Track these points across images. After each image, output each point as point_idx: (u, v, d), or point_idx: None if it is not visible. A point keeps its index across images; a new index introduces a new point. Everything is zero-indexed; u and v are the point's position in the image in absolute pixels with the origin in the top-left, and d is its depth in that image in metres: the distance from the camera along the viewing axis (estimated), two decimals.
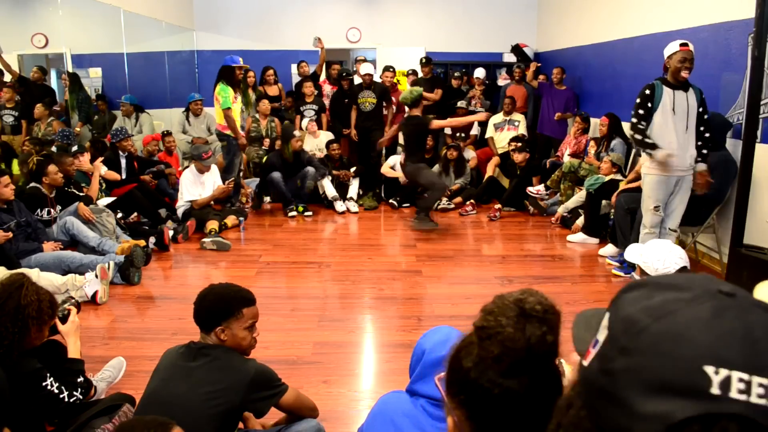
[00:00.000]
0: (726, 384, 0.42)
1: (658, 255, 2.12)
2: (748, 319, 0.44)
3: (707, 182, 3.68)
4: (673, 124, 3.55)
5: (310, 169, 5.91)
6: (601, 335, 0.51)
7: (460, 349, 0.81)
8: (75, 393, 1.95)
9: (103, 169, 5.07)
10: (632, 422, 0.44)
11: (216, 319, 1.78)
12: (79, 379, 2.01)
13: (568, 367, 0.81)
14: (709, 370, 0.42)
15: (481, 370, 0.75)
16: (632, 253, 2.28)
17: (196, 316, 1.81)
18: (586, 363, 0.52)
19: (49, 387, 1.86)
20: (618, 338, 0.48)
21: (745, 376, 0.42)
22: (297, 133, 5.98)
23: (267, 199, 6.21)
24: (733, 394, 0.41)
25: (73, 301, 2.32)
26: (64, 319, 2.16)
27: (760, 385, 0.41)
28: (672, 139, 3.57)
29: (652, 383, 0.44)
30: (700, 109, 3.61)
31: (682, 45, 3.44)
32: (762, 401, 0.41)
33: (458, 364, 0.79)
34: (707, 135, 3.67)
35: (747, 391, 0.41)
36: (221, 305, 1.79)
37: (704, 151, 3.68)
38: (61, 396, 1.89)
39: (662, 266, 2.08)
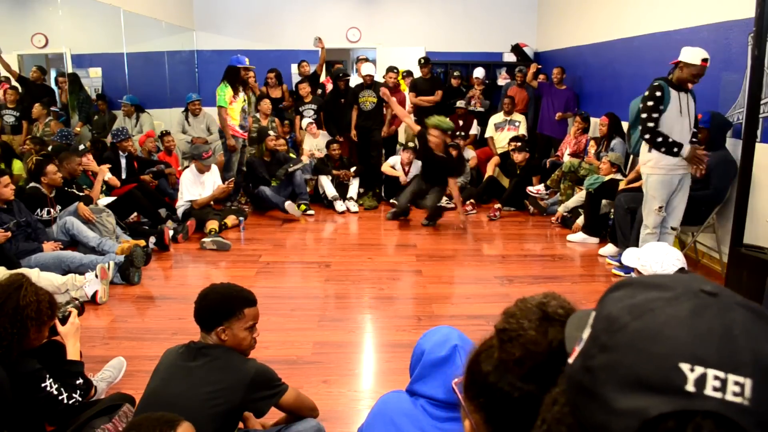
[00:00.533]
0: (701, 381, 0.42)
1: (655, 258, 2.11)
2: (727, 317, 0.45)
3: (703, 157, 3.62)
4: (680, 125, 3.58)
5: (287, 164, 6.03)
6: (585, 333, 0.52)
7: (479, 353, 0.80)
8: (74, 395, 1.94)
9: (108, 175, 5.04)
10: (609, 418, 0.45)
11: (217, 318, 1.77)
12: (78, 381, 1.99)
13: None
14: (685, 367, 0.43)
15: (501, 374, 0.75)
16: (629, 257, 2.28)
17: (197, 315, 1.81)
18: (570, 361, 0.53)
19: (48, 388, 1.85)
20: (599, 336, 0.49)
21: (721, 374, 0.42)
22: (271, 132, 6.08)
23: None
24: (708, 391, 0.42)
25: (76, 302, 2.31)
26: (64, 321, 2.14)
27: (736, 383, 0.42)
28: (680, 139, 3.60)
29: (628, 380, 0.45)
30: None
31: (703, 61, 3.43)
32: (737, 399, 0.42)
33: (477, 367, 0.79)
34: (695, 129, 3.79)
35: (722, 388, 0.42)
36: (223, 305, 1.79)
37: (694, 140, 3.75)
38: (60, 398, 1.88)
39: (661, 269, 2.07)
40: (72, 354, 2.10)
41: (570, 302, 0.79)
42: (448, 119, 5.38)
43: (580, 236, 4.93)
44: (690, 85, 3.55)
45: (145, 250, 4.13)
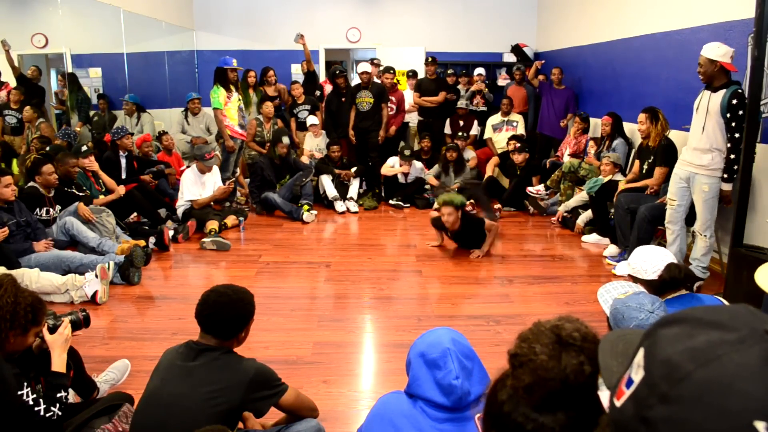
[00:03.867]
0: None
1: (644, 257, 2.18)
2: None
3: (727, 199, 3.67)
4: (694, 121, 3.71)
5: (299, 173, 6.02)
6: (636, 375, 0.47)
7: (497, 381, 0.76)
8: (52, 408, 1.82)
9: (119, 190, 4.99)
10: None
11: (240, 326, 1.81)
12: (59, 394, 1.87)
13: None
14: (760, 426, 0.39)
15: (515, 403, 0.71)
16: (623, 268, 2.36)
17: (214, 327, 1.79)
18: (618, 403, 0.49)
19: (24, 397, 1.74)
20: (657, 383, 0.45)
21: None
22: (285, 139, 6.00)
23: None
24: None
25: (78, 314, 2.18)
26: (53, 329, 2.01)
27: None
28: (691, 135, 3.73)
29: None
30: (728, 115, 3.44)
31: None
32: None
33: (494, 397, 0.75)
34: (736, 146, 3.42)
35: None
36: (242, 312, 1.82)
37: (735, 167, 3.47)
38: (36, 409, 1.77)
39: (651, 266, 2.14)
40: (57, 365, 1.97)
41: (587, 325, 0.74)
42: (460, 196, 4.54)
43: (594, 237, 4.90)
44: (701, 76, 3.57)
45: (145, 250, 4.13)
